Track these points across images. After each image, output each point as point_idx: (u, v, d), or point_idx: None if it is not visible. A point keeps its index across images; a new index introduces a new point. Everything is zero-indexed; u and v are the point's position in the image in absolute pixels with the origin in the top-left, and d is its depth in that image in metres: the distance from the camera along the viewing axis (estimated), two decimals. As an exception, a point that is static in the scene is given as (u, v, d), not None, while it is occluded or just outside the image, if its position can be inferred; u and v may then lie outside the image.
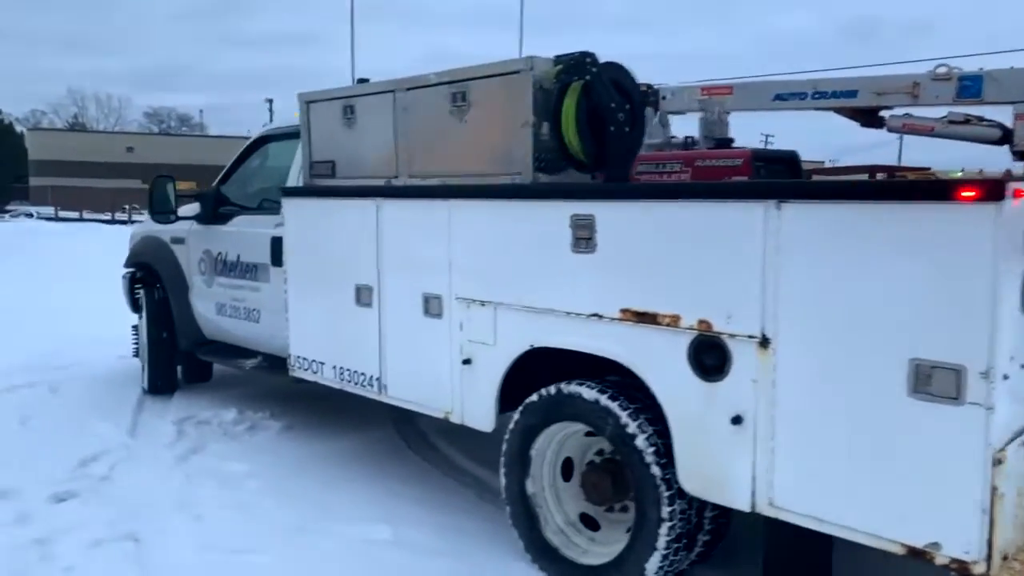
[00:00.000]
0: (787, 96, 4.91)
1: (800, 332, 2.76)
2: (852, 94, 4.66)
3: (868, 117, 4.68)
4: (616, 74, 3.56)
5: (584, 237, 3.33)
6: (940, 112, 4.59)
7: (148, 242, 6.77)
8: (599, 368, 3.49)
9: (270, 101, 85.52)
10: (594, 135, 3.53)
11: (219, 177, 6.13)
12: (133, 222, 43.40)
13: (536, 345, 3.59)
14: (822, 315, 2.70)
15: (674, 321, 3.07)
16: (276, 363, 5.61)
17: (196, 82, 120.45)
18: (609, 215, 3.25)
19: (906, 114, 4.66)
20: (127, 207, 44.94)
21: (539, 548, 3.65)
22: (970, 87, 4.38)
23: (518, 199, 3.61)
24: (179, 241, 6.34)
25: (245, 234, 5.63)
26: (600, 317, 3.32)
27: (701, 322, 2.99)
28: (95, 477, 4.75)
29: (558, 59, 3.53)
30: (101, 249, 21.64)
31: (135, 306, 7.20)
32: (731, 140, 4.43)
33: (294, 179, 5.27)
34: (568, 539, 3.63)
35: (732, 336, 2.91)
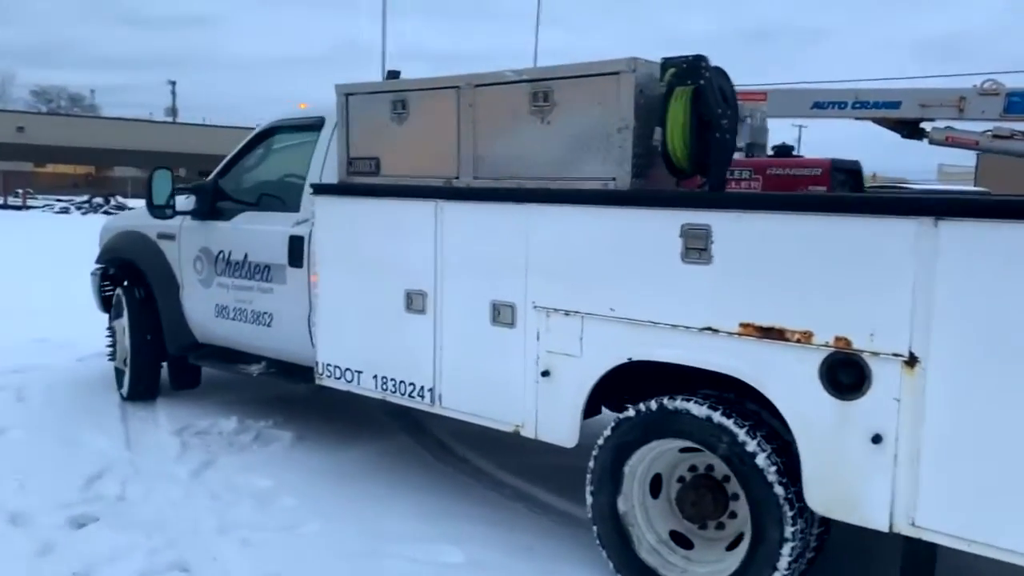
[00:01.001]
0: (826, 104, 4.93)
1: (954, 352, 2.71)
2: (895, 105, 4.71)
3: (910, 129, 4.75)
4: (721, 80, 3.45)
5: (698, 247, 3.21)
6: (983, 126, 4.72)
7: (128, 237, 6.28)
8: (693, 381, 3.40)
9: (172, 83, 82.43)
10: (698, 141, 3.41)
11: (217, 169, 5.73)
12: (28, 208, 41.04)
13: (635, 358, 3.45)
14: (981, 336, 2.66)
15: (805, 337, 2.99)
16: (286, 369, 5.31)
17: (86, 60, 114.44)
18: (729, 226, 3.14)
19: (948, 127, 4.76)
20: (21, 191, 42.29)
21: (634, 569, 3.52)
22: (1018, 103, 4.49)
23: (618, 205, 3.45)
24: (168, 237, 5.90)
25: (256, 232, 5.27)
26: (715, 331, 3.20)
27: (838, 339, 2.91)
28: (109, 497, 4.34)
29: (667, 61, 3.40)
30: (18, 240, 20.36)
31: (105, 305, 6.71)
32: (791, 148, 4.40)
33: (316, 175, 4.96)
34: (664, 559, 3.51)
35: (874, 354, 2.85)
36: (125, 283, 6.35)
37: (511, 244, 3.80)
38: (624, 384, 3.62)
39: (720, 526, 3.50)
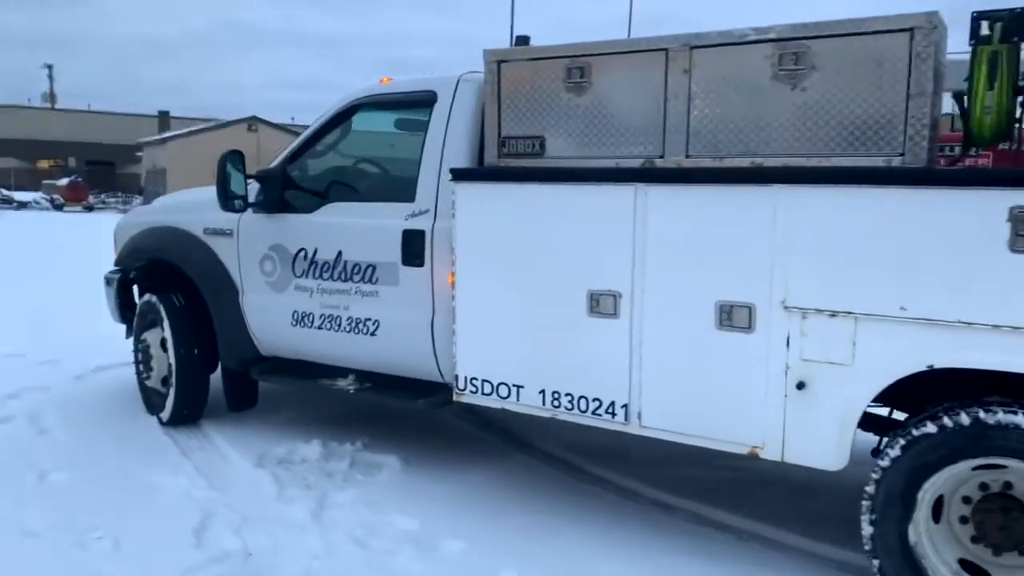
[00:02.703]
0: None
1: None
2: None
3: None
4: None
5: (1034, 234, 2.73)
6: None
7: (163, 235, 5.36)
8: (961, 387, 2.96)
9: (49, 67, 76.98)
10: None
11: (285, 154, 4.88)
12: None
13: (938, 365, 2.95)
14: None
15: None
16: (387, 384, 4.58)
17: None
18: (1085, 207, 2.67)
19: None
20: None
21: (934, 608, 3.03)
22: None
23: (918, 186, 2.93)
24: (222, 233, 5.03)
25: (353, 226, 4.49)
26: (1058, 331, 2.74)
27: None
28: (235, 554, 3.54)
29: (983, 15, 2.89)
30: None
31: (124, 316, 5.77)
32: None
33: (434, 158, 4.23)
34: (965, 594, 3.05)
35: None
36: (148, 289, 5.46)
37: (749, 234, 3.23)
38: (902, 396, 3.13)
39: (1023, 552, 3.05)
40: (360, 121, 4.79)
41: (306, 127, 5.00)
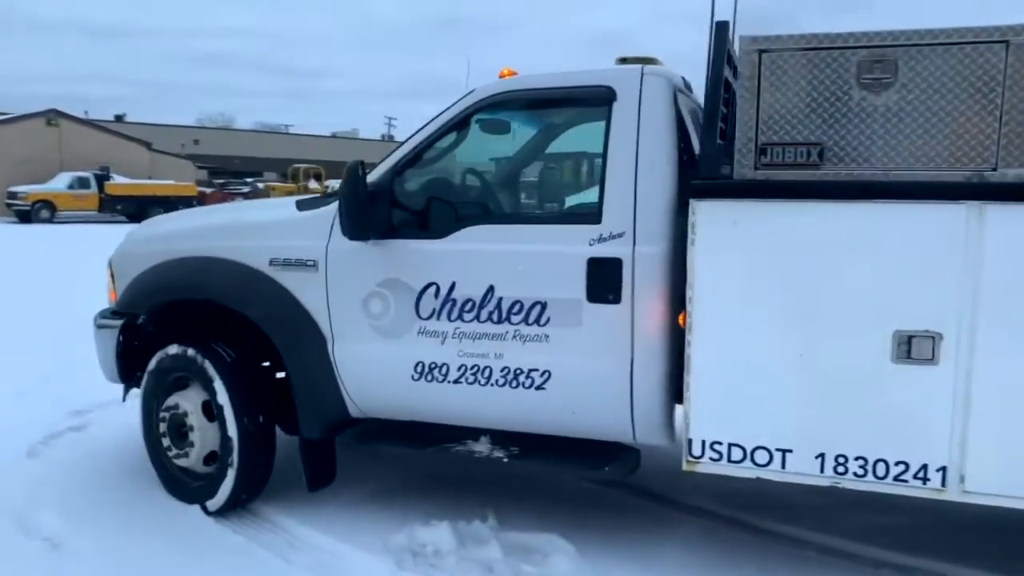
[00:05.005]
0: None
1: None
2: None
3: None
4: None
5: None
6: None
7: (202, 268, 4.12)
8: None
9: None
10: None
11: (389, 165, 3.83)
12: None
13: None
14: None
15: None
16: (533, 447, 3.74)
17: None
18: None
19: None
20: None
21: None
22: None
23: None
24: (302, 266, 3.90)
25: (514, 255, 3.57)
26: None
27: None
28: None
29: None
30: None
31: (126, 374, 4.47)
32: None
33: (625, 171, 3.43)
34: None
35: None
36: (171, 338, 4.24)
37: None
38: None
39: None
40: (496, 124, 3.87)
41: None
